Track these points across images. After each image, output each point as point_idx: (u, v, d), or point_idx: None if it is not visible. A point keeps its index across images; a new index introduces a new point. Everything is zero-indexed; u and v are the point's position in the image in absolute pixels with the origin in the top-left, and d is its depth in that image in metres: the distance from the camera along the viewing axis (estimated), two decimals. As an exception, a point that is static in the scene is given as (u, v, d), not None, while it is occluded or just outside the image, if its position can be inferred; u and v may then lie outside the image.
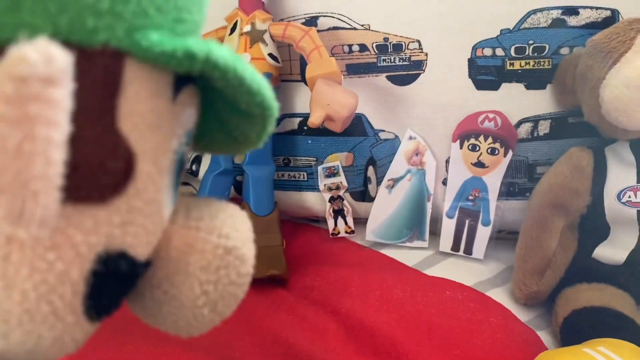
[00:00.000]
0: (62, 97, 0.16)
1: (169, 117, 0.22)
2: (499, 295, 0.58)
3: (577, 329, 0.50)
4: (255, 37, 0.62)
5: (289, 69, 0.67)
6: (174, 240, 0.23)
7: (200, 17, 0.24)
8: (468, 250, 0.63)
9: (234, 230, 0.24)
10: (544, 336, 0.53)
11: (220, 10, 0.66)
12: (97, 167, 0.19)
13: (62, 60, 0.16)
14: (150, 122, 0.21)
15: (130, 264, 0.22)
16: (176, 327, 0.25)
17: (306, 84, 0.67)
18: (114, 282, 0.22)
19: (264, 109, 0.23)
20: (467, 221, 0.63)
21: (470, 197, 0.63)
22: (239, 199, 0.69)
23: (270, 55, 0.63)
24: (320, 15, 0.65)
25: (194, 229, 0.24)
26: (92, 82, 0.19)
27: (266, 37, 0.63)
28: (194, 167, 0.76)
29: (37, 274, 0.19)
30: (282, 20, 0.66)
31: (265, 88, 0.23)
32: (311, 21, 0.65)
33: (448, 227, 0.63)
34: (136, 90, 0.20)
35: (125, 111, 0.20)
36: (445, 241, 0.64)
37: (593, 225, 0.55)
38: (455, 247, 0.63)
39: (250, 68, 0.22)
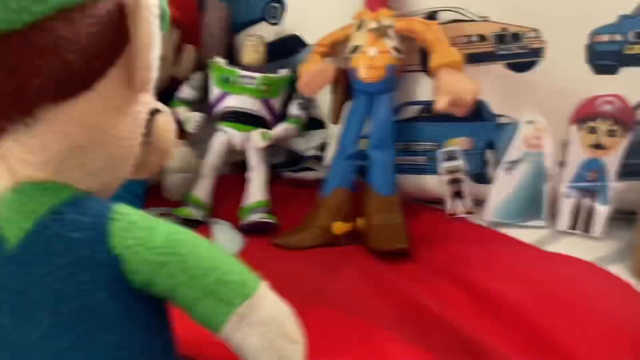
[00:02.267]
0: None
1: None
2: (619, 271, 0.60)
3: None
4: (381, 32, 0.68)
5: (410, 61, 0.73)
6: None
7: None
8: (586, 229, 0.65)
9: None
10: (669, 311, 0.55)
11: (347, 9, 0.72)
12: None
13: None
14: None
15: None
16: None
17: (427, 73, 0.72)
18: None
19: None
20: (585, 201, 0.65)
21: (588, 178, 0.65)
22: (362, 182, 0.75)
23: (394, 48, 0.68)
24: (441, 10, 0.69)
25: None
26: None
27: (390, 32, 0.68)
28: (320, 154, 0.83)
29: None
30: (404, 15, 0.71)
31: None
32: (432, 15, 0.70)
33: (566, 207, 0.66)
34: None
35: None
36: (563, 220, 0.66)
37: None
38: (573, 225, 0.66)
39: None
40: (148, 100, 0.32)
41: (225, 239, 0.70)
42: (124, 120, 0.30)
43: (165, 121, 0.35)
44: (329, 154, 0.81)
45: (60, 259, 0.27)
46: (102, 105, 0.29)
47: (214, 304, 0.29)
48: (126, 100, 0.30)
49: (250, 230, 0.74)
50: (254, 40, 0.80)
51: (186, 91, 0.83)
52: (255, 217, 0.74)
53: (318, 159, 0.84)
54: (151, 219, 0.30)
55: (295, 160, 0.90)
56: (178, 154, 0.77)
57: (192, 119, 0.78)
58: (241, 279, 0.30)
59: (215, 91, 0.81)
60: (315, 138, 0.84)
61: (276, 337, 0.29)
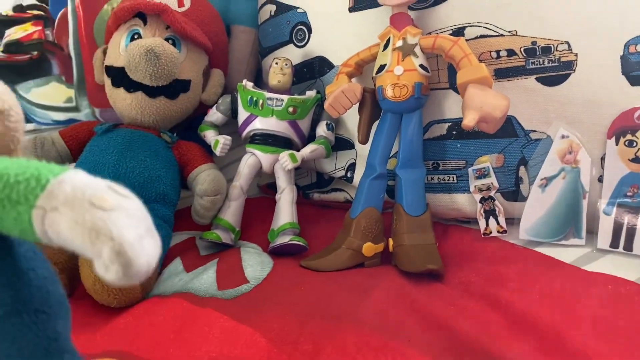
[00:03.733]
0: None
1: None
2: (665, 291, 0.57)
3: None
4: (407, 50, 0.68)
5: (437, 78, 0.72)
6: None
7: None
8: (628, 247, 0.63)
9: None
10: None
11: (373, 28, 0.72)
12: None
13: None
14: None
15: None
16: None
17: (455, 90, 0.71)
18: None
19: None
20: (626, 217, 0.63)
21: (629, 193, 0.63)
22: (392, 201, 0.74)
23: (421, 66, 0.68)
24: (467, 26, 0.68)
25: None
26: None
27: (417, 49, 0.68)
28: (348, 174, 0.82)
29: None
30: (430, 33, 0.70)
31: None
32: (458, 31, 0.69)
33: (606, 224, 0.63)
34: None
35: None
36: (604, 238, 0.64)
37: None
38: (615, 243, 0.63)
39: None
40: None
41: (255, 262, 0.69)
42: None
43: None
44: (358, 174, 0.80)
45: None
46: None
47: (13, 210, 0.26)
48: None
49: (280, 253, 0.73)
50: (281, 63, 0.80)
51: (214, 115, 0.84)
52: (285, 239, 0.73)
53: (347, 180, 0.83)
54: None
55: (324, 180, 0.90)
56: (207, 176, 0.77)
57: (221, 142, 0.79)
58: (34, 174, 0.27)
59: (243, 114, 0.81)
60: (343, 158, 0.84)
61: (83, 211, 0.25)
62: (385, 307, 0.58)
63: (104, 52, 0.84)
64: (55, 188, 0.26)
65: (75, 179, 0.27)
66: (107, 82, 0.81)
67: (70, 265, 0.64)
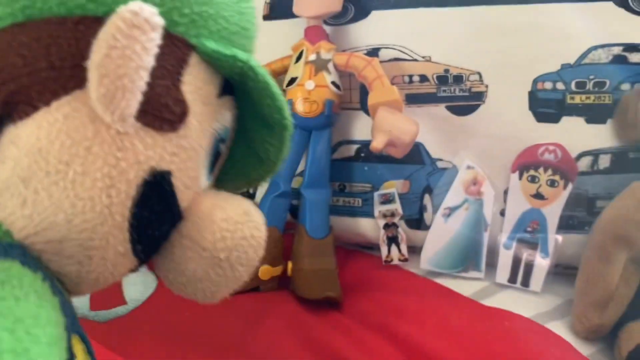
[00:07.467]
0: (152, 39, 0.23)
1: (214, 103, 0.29)
2: (558, 329, 0.57)
3: (644, 363, 0.49)
4: (320, 65, 0.65)
5: (349, 98, 0.69)
6: (204, 201, 0.29)
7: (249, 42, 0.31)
8: (525, 283, 0.62)
9: (254, 209, 0.31)
10: (607, 371, 0.52)
11: (286, 40, 0.69)
12: (163, 105, 0.26)
13: (152, 11, 0.22)
14: (202, 96, 0.28)
15: (170, 189, 0.27)
16: (195, 279, 0.29)
17: (365, 112, 0.68)
18: (156, 205, 0.27)
19: (282, 116, 0.29)
20: (524, 253, 0.63)
21: (529, 229, 0.63)
22: (294, 223, 0.70)
23: (333, 83, 0.65)
24: (382, 47, 0.67)
25: (222, 198, 0.30)
26: (170, 52, 0.26)
27: (330, 66, 0.65)
28: (250, 190, 0.78)
29: (106, 167, 0.25)
30: (345, 50, 0.68)
31: (282, 97, 0.29)
32: (373, 52, 0.67)
33: (505, 258, 0.63)
34: (196, 71, 0.28)
35: (186, 80, 0.27)
36: (502, 273, 0.63)
37: (658, 260, 0.54)
38: (512, 279, 0.63)
39: (272, 79, 0.28)
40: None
41: (137, 280, 0.63)
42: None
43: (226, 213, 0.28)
44: (260, 191, 0.76)
45: None
46: None
47: None
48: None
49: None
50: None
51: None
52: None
53: (250, 196, 0.78)
54: None
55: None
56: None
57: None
58: None
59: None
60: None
61: None
62: (278, 338, 0.54)
63: None
64: None
65: None
66: None
67: None
